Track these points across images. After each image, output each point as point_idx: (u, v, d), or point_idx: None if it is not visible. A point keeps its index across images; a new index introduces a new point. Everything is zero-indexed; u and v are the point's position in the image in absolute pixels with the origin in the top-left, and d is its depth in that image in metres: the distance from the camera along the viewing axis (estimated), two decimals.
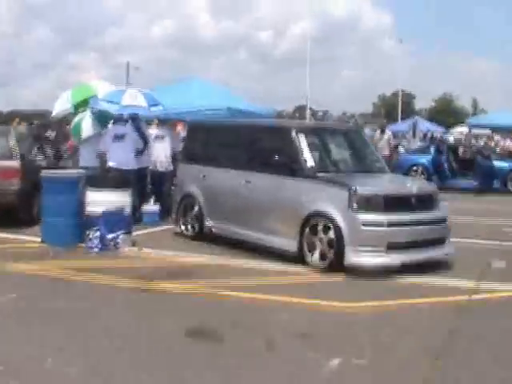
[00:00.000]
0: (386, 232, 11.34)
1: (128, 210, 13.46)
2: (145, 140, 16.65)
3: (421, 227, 11.68)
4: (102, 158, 16.43)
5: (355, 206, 11.34)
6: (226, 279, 10.87)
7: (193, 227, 14.41)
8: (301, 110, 66.15)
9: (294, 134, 12.63)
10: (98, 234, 12.92)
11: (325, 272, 11.37)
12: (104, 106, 16.42)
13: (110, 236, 12.95)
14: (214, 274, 11.25)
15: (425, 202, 12.01)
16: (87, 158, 16.79)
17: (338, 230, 11.47)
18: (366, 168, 13.45)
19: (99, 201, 13.09)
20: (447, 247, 12.15)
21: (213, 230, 13.95)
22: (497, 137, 37.25)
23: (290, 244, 12.11)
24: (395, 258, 11.36)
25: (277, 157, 12.46)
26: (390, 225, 11.32)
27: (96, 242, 12.89)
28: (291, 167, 12.35)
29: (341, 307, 9.44)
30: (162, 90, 18.47)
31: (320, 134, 13.71)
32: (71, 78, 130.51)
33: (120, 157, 15.99)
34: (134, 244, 13.24)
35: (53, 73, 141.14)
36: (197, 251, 12.97)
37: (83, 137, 17.27)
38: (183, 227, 14.60)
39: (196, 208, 14.29)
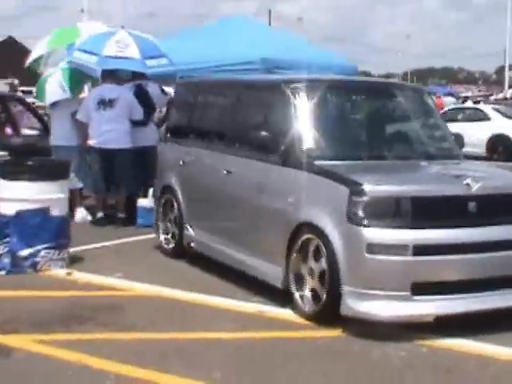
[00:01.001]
0: (412, 264, 6.52)
1: (60, 212, 8.94)
2: (150, 107, 11.95)
3: (483, 255, 6.73)
4: (82, 131, 11.70)
5: (359, 214, 6.54)
6: (145, 331, 6.71)
7: (173, 237, 9.65)
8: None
9: (284, 94, 7.77)
10: (6, 248, 8.59)
11: (320, 323, 6.90)
12: (79, 58, 11.64)
13: (24, 252, 8.56)
14: (133, 322, 6.92)
15: (497, 210, 7.00)
16: (59, 134, 12.07)
17: (331, 255, 6.75)
18: (416, 153, 8.15)
19: (11, 197, 8.71)
20: None
21: (192, 244, 9.20)
22: None
23: (274, 273, 7.45)
24: (427, 307, 6.58)
25: (263, 133, 7.76)
26: (420, 250, 6.48)
27: (5, 260, 8.59)
28: (278, 150, 7.59)
29: None
30: (184, 37, 13.95)
31: (338, 96, 8.41)
32: None
33: (105, 131, 11.27)
34: (66, 264, 8.92)
35: None
36: (158, 278, 8.41)
37: (47, 102, 12.57)
38: (162, 237, 9.82)
39: (175, 208, 9.55)
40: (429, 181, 7.20)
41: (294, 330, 6.91)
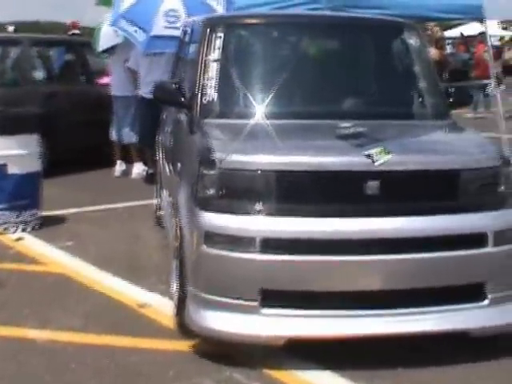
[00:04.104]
0: (260, 264, 4.62)
1: (21, 170, 7.75)
2: None
3: (378, 257, 4.60)
4: (134, 80, 10.37)
5: (204, 193, 4.72)
6: None
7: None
8: None
9: (204, 34, 5.87)
10: None
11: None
12: (125, 30, 9.90)
13: None
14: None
15: (411, 193, 4.75)
16: (115, 83, 10.90)
17: (180, 244, 5.12)
18: (358, 110, 5.82)
19: None
20: (492, 311, 4.81)
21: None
22: None
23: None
24: (279, 326, 4.69)
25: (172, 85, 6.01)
26: (273, 246, 4.56)
27: None
28: (186, 102, 5.79)
29: None
30: None
31: (265, 38, 6.27)
32: None
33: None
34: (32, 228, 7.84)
35: None
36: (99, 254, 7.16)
37: (100, 48, 11.32)
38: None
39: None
40: (316, 150, 4.93)
41: (151, 337, 5.21)
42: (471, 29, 22.16)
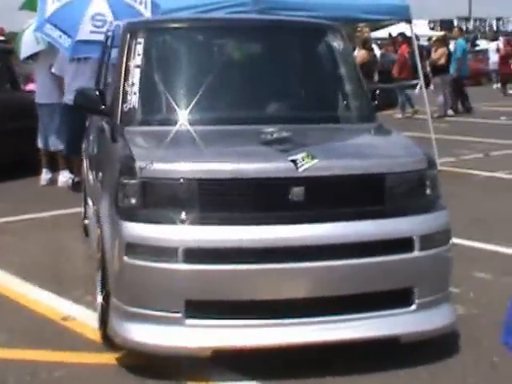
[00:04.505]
0: (184, 274, 4.49)
1: None
2: None
3: (305, 264, 4.50)
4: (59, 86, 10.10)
5: (124, 202, 4.58)
6: None
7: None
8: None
9: (124, 41, 5.75)
10: None
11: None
12: (50, 35, 9.54)
13: None
14: None
15: (336, 199, 4.64)
16: (40, 91, 10.62)
17: (102, 253, 5.01)
18: (282, 115, 5.72)
19: None
20: (420, 315, 4.76)
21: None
22: None
23: None
24: (203, 337, 4.54)
25: (96, 92, 5.80)
26: (196, 256, 4.43)
27: None
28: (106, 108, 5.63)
29: None
30: None
31: (187, 42, 6.11)
32: None
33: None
34: None
35: None
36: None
37: (21, 56, 10.91)
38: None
39: None
40: (240, 156, 4.78)
41: (76, 351, 5.03)
42: (400, 29, 22.33)
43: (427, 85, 16.85)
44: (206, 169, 4.58)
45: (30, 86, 11.75)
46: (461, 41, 21.37)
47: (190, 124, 5.26)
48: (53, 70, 10.11)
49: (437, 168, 5.14)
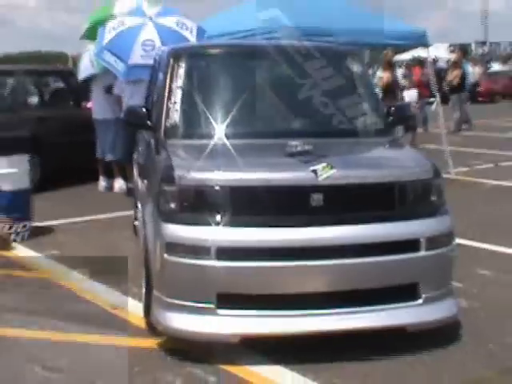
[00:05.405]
0: (216, 270, 4.56)
1: (13, 186, 7.69)
2: None
3: (323, 262, 4.56)
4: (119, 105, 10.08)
5: (165, 206, 4.66)
6: None
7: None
8: None
9: (168, 64, 5.86)
10: None
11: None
12: (108, 62, 9.72)
13: None
14: None
15: (354, 205, 4.71)
16: (96, 108, 10.82)
17: (146, 252, 5.11)
18: (307, 129, 5.80)
19: None
20: (426, 308, 4.77)
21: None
22: None
23: None
24: (237, 326, 4.57)
25: (143, 109, 5.85)
26: (228, 254, 4.50)
27: None
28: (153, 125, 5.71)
29: None
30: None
31: (220, 65, 6.21)
32: None
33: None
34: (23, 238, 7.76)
35: None
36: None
37: (79, 77, 11.14)
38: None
39: None
40: (267, 167, 4.87)
41: (123, 336, 5.11)
42: (421, 52, 22.33)
43: (445, 102, 16.78)
44: (238, 177, 4.67)
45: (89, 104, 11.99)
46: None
47: (224, 138, 5.33)
48: (115, 91, 10.21)
49: (442, 177, 5.15)
